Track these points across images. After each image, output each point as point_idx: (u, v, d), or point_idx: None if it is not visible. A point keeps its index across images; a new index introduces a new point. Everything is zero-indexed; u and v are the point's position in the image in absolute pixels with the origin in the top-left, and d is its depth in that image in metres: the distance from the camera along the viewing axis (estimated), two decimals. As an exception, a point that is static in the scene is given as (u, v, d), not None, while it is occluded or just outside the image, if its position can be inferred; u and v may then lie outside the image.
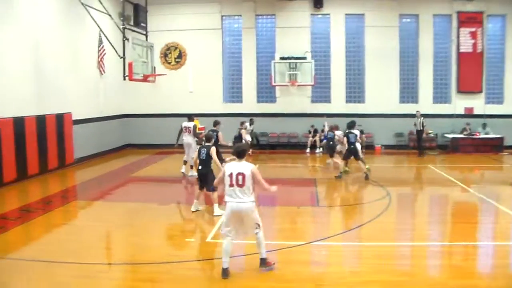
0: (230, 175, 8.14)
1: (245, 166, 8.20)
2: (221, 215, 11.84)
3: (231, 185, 8.17)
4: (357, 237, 10.79)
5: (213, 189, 12.47)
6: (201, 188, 12.93)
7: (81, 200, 14.87)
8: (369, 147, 24.92)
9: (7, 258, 9.44)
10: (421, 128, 23.61)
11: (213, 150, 12.63)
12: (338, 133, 18.90)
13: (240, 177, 8.08)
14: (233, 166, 8.25)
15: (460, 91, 25.80)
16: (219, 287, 8.05)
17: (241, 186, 8.08)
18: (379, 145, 25.11)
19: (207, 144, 12.80)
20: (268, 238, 10.02)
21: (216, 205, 12.54)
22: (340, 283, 8.16)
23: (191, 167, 18.02)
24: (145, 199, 14.70)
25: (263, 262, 8.54)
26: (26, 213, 12.62)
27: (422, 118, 23.55)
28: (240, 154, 8.39)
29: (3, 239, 10.52)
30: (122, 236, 11.31)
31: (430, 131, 25.39)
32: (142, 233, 11.24)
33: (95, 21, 20.14)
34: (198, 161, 12.99)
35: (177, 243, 10.79)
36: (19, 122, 16.63)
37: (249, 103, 26.62)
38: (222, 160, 13.17)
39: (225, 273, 8.22)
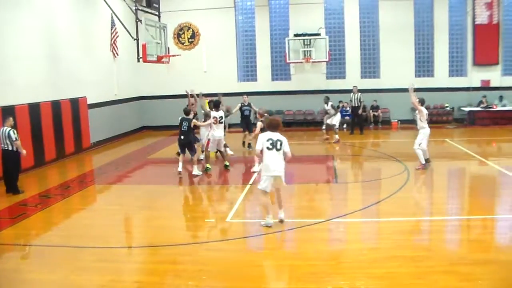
0: None
1: None
2: (200, 174, 14.77)
3: None
4: (376, 213, 10.77)
5: (195, 153, 15.18)
6: (182, 153, 15.11)
7: (99, 184, 14.94)
8: (385, 122, 24.89)
9: (29, 244, 9.58)
10: (358, 105, 23.08)
11: (194, 122, 14.99)
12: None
13: None
14: None
15: (477, 63, 25.37)
16: (240, 266, 8.06)
17: None
18: (396, 120, 24.89)
19: (188, 117, 14.90)
20: (287, 217, 10.05)
21: (195, 167, 14.95)
22: (360, 260, 8.13)
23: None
24: (163, 181, 14.78)
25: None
26: (45, 199, 12.71)
27: (359, 94, 23.06)
28: None
29: (24, 226, 10.59)
30: (142, 219, 11.37)
31: (446, 105, 25.33)
32: (162, 215, 11.28)
33: (107, 3, 19.97)
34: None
35: (197, 224, 10.81)
36: (34, 108, 16.66)
37: (264, 81, 26.48)
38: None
39: None
